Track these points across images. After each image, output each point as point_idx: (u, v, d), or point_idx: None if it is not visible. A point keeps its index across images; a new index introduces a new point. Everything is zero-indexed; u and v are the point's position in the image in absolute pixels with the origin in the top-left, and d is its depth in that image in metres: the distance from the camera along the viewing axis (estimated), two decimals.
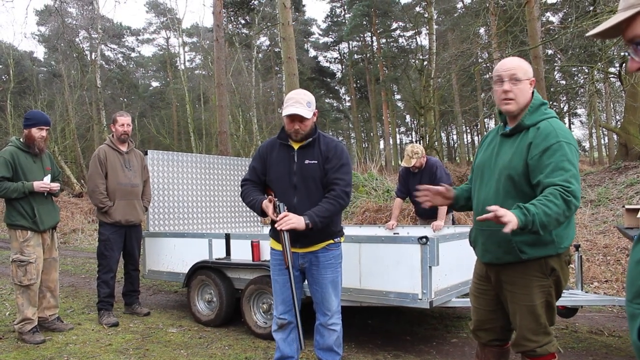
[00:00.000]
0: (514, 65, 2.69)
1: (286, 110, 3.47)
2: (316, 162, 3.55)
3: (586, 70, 21.67)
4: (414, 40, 41.51)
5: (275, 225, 3.40)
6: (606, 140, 35.69)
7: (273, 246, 3.72)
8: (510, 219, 2.32)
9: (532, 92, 2.74)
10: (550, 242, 2.60)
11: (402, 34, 43.70)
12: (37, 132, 5.07)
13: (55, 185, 5.13)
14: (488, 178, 2.77)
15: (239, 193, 3.88)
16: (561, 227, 2.59)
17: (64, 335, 5.16)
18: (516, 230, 2.35)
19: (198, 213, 6.95)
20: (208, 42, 35.57)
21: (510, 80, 2.66)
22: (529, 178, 2.59)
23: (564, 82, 31.51)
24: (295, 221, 3.33)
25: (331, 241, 3.60)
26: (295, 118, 3.47)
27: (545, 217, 2.35)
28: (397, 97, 45.67)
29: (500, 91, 2.69)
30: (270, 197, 3.54)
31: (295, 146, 3.60)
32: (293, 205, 3.51)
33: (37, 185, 4.95)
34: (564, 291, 4.63)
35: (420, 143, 18.99)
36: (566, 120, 40.77)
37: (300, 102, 3.47)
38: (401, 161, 6.26)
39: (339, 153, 3.58)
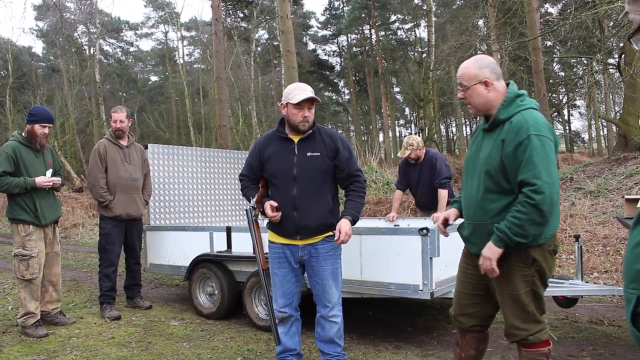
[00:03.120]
0: (459, 73, 2.81)
1: (299, 97, 3.48)
2: (319, 154, 3.57)
3: (585, 62, 21.66)
4: (413, 32, 41.35)
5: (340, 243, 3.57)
6: (605, 132, 35.63)
7: (271, 239, 3.74)
8: (491, 256, 2.61)
9: (508, 84, 2.78)
10: None
11: (400, 26, 43.57)
12: (40, 129, 5.08)
13: (58, 180, 5.15)
14: (472, 173, 2.84)
15: (239, 187, 3.96)
16: None
17: (67, 329, 5.18)
18: (508, 249, 2.61)
19: (199, 206, 6.97)
20: (207, 36, 35.55)
21: (460, 87, 2.82)
22: (505, 173, 2.63)
23: (563, 73, 31.46)
24: (350, 231, 3.53)
25: (330, 233, 3.61)
26: (305, 105, 3.50)
27: (517, 228, 2.52)
28: (396, 89, 45.63)
29: (460, 97, 2.87)
30: (260, 192, 3.69)
31: (295, 139, 3.61)
32: (293, 197, 3.53)
33: (39, 181, 4.96)
34: (564, 281, 4.68)
35: (419, 135, 18.98)
36: (565, 111, 40.75)
37: (307, 90, 3.52)
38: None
39: (346, 144, 3.69)
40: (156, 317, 5.60)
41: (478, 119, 38.04)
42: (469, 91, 2.76)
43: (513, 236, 2.53)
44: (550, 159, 2.53)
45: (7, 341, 4.82)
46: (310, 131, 3.60)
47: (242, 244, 5.23)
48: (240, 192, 4.11)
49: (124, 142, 5.86)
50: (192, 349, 4.48)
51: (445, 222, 3.12)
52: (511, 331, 2.76)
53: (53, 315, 5.35)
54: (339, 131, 51.92)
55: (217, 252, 5.43)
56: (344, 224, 3.50)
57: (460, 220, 3.06)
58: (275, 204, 3.55)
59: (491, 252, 2.59)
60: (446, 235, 3.15)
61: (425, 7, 23.20)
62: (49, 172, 5.14)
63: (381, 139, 43.78)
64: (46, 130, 5.12)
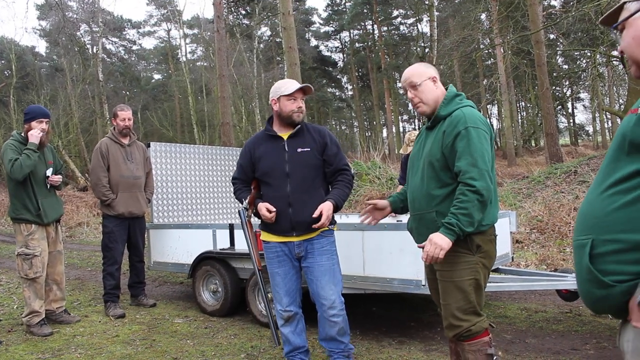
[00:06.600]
0: (408, 74, 2.96)
1: (291, 88, 3.55)
2: (309, 149, 3.59)
3: (588, 54, 21.57)
4: (415, 27, 41.30)
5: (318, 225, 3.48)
6: (609, 124, 35.57)
7: (265, 238, 3.73)
8: (442, 244, 2.62)
9: (447, 87, 2.95)
10: None
11: (403, 21, 43.52)
12: (37, 125, 5.06)
13: (58, 177, 5.16)
14: (416, 168, 2.97)
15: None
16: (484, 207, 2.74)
17: (72, 327, 5.20)
18: (457, 240, 2.66)
19: (202, 204, 6.98)
20: (209, 33, 35.52)
21: (410, 89, 2.94)
22: (445, 164, 2.78)
23: (566, 66, 31.39)
24: (330, 212, 3.47)
25: (326, 228, 3.60)
26: (298, 95, 3.57)
27: (465, 217, 2.62)
28: (400, 85, 45.51)
29: (410, 99, 2.98)
30: (252, 194, 3.69)
31: (285, 136, 3.62)
32: (287, 194, 3.53)
33: (32, 135, 4.95)
34: (567, 275, 4.66)
35: None
36: (569, 104, 40.61)
37: (296, 82, 3.60)
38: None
39: (334, 139, 3.73)
40: (160, 315, 5.62)
41: (482, 113, 37.95)
42: (421, 87, 2.90)
43: (463, 226, 2.62)
44: (485, 149, 2.69)
45: (13, 340, 4.85)
46: (299, 127, 3.62)
47: (245, 242, 5.22)
48: None
49: (126, 141, 5.87)
50: (196, 346, 4.49)
51: (374, 208, 3.28)
52: (453, 322, 2.76)
53: (58, 314, 5.37)
54: (343, 127, 52.10)
55: (221, 249, 5.43)
56: (326, 207, 3.48)
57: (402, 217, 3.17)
58: (272, 208, 3.54)
59: (443, 241, 2.63)
60: (372, 223, 3.32)
61: (427, 2, 23.17)
62: (50, 171, 5.15)
63: (384, 134, 43.74)
64: (44, 126, 5.08)
